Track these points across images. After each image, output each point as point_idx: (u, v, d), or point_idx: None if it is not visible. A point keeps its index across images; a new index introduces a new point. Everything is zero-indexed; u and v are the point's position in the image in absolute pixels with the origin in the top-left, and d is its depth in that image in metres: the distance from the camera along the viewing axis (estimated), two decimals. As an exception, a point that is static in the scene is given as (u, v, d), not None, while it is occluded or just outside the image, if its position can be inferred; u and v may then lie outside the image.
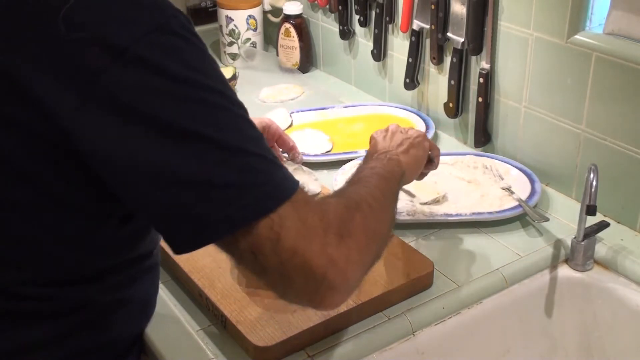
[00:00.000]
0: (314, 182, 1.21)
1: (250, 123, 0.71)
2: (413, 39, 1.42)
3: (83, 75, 0.66)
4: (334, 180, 1.24)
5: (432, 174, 1.25)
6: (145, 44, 0.66)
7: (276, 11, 1.80)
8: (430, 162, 1.08)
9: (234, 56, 1.79)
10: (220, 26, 1.78)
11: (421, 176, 1.09)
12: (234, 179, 0.68)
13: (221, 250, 0.72)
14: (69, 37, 0.65)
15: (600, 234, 1.09)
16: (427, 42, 1.41)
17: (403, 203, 1.18)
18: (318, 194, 1.16)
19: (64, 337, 0.81)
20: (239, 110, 0.71)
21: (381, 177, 0.88)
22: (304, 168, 1.24)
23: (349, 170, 1.27)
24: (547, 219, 1.13)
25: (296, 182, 0.72)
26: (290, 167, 1.22)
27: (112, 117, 0.66)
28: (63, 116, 0.67)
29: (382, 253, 0.81)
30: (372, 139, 1.06)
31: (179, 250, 0.71)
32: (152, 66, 0.66)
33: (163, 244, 1.00)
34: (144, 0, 0.69)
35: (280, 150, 1.23)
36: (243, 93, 1.65)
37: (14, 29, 0.68)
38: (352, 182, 0.86)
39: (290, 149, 1.23)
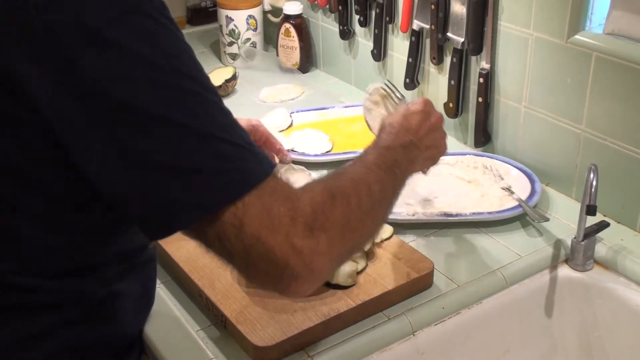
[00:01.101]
0: (307, 179, 1.20)
1: (223, 110, 0.71)
2: (413, 39, 1.42)
3: (57, 60, 0.65)
4: (334, 180, 1.24)
5: (432, 174, 1.26)
6: (118, 25, 0.65)
7: (276, 11, 1.80)
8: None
9: (234, 56, 1.79)
10: (220, 26, 1.78)
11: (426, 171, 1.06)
12: (203, 165, 0.68)
13: (190, 237, 0.72)
14: (42, 21, 0.65)
15: (600, 234, 1.09)
16: (427, 42, 1.41)
17: (403, 204, 1.18)
18: None
19: (58, 330, 0.81)
20: (212, 96, 0.71)
21: (393, 172, 0.86)
22: (295, 166, 1.24)
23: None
24: (547, 219, 1.14)
25: (269, 169, 0.72)
26: (282, 168, 1.22)
27: (85, 100, 0.66)
28: (40, 103, 0.67)
29: (364, 245, 0.81)
30: (414, 103, 0.99)
31: (152, 236, 0.72)
32: (125, 49, 0.65)
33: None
34: None
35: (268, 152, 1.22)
36: (243, 93, 1.65)
37: None
38: (359, 160, 0.85)
39: (278, 152, 1.21)
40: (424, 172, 1.04)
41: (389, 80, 1.17)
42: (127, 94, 0.66)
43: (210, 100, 0.70)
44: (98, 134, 0.67)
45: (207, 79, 0.71)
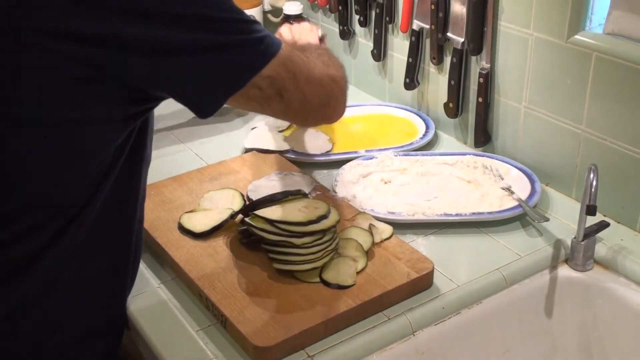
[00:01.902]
0: (308, 185, 1.21)
1: (246, 15, 0.87)
2: (413, 39, 1.42)
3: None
4: (334, 181, 1.25)
5: (433, 174, 1.26)
6: None
7: (276, 11, 1.80)
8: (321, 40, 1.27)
9: (234, 56, 1.79)
10: (220, 26, 1.77)
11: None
12: (245, 38, 0.83)
13: (247, 103, 0.88)
14: None
15: (600, 234, 1.09)
16: (427, 42, 1.41)
17: (403, 204, 1.18)
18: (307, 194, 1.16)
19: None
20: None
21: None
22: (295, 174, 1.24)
23: (349, 170, 1.27)
24: (547, 219, 1.14)
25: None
26: (281, 174, 1.22)
27: (144, 14, 0.76)
28: (77, 28, 0.75)
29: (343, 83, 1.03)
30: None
31: (207, 110, 0.84)
32: None
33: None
34: None
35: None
36: (243, 93, 1.65)
37: None
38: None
39: None
40: (323, 43, 1.27)
41: None
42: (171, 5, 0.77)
43: (235, 6, 0.84)
44: (156, 39, 0.77)
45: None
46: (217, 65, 0.82)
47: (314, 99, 0.92)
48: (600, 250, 1.10)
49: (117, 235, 0.93)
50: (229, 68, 0.83)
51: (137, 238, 0.98)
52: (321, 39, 1.28)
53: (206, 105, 0.84)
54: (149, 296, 1.02)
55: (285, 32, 1.27)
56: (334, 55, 1.05)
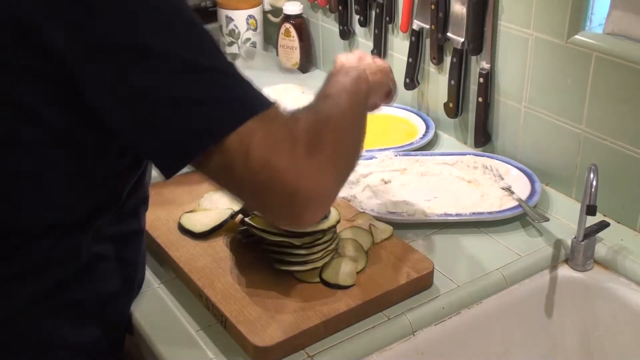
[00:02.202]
0: None
1: (224, 54, 0.76)
2: (413, 39, 1.42)
3: (71, 4, 0.69)
4: (334, 180, 1.24)
5: (432, 174, 1.26)
6: None
7: (276, 11, 1.80)
8: (388, 95, 1.09)
9: (234, 56, 1.79)
10: (220, 26, 1.78)
11: (376, 107, 1.10)
12: (206, 95, 0.72)
13: (199, 171, 0.75)
14: None
15: (600, 234, 1.09)
16: (427, 42, 1.41)
17: (402, 204, 1.18)
18: None
19: (51, 290, 0.84)
20: (213, 40, 0.75)
21: (350, 93, 0.88)
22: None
23: (349, 170, 1.27)
24: (547, 219, 1.13)
25: (268, 100, 0.75)
26: None
27: (96, 40, 0.69)
28: (59, 47, 0.70)
29: (355, 166, 0.86)
30: (337, 58, 1.06)
31: (166, 171, 0.75)
32: None
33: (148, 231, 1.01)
34: None
35: None
36: (243, 93, 1.65)
37: None
38: (321, 97, 0.87)
39: None
40: (387, 101, 1.09)
41: None
42: (131, 28, 0.70)
43: (211, 41, 0.75)
44: (108, 72, 0.70)
45: (206, 30, 0.76)
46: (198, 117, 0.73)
47: (269, 190, 0.73)
48: (600, 250, 1.10)
49: (123, 260, 0.92)
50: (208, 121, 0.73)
51: (142, 259, 0.98)
52: (388, 95, 1.09)
53: (173, 163, 0.75)
54: (149, 296, 1.02)
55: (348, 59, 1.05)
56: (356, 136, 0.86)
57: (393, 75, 1.08)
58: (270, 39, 1.86)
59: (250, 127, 0.72)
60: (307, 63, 1.77)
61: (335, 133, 0.79)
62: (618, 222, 1.16)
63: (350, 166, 0.84)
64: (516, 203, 1.17)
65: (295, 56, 1.75)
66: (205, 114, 0.72)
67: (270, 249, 1.01)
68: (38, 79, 0.72)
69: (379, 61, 1.07)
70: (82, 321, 0.88)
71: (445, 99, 1.39)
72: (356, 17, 1.58)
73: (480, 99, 1.31)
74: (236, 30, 1.76)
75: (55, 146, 0.77)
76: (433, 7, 1.34)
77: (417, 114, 1.47)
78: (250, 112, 0.73)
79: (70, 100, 0.74)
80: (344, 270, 0.98)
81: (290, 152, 0.73)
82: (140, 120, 0.73)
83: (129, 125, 0.74)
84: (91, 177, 0.82)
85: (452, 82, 1.36)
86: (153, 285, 1.04)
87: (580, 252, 1.08)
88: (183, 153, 0.73)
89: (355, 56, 1.05)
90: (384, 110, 1.50)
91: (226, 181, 0.75)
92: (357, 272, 1.00)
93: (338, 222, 1.02)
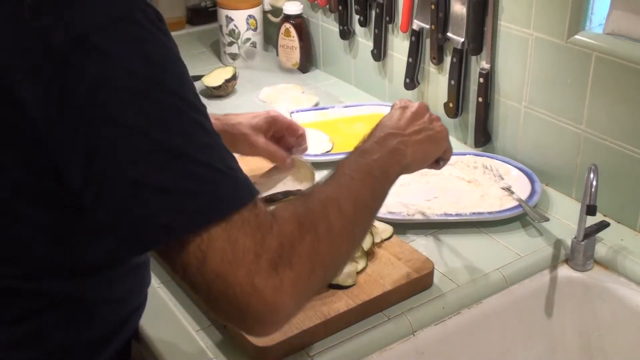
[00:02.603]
0: (310, 180, 1.18)
1: (205, 129, 0.68)
2: (413, 39, 1.42)
3: (46, 63, 0.64)
4: (334, 180, 1.24)
5: (432, 173, 1.26)
6: (107, 34, 0.65)
7: (276, 11, 1.80)
8: (437, 162, 0.99)
9: (234, 56, 1.79)
10: (220, 26, 1.78)
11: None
12: (172, 185, 0.65)
13: (160, 258, 0.69)
14: (33, 25, 0.65)
15: (600, 234, 1.09)
16: (427, 42, 1.41)
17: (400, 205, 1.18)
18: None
19: (49, 332, 0.81)
20: (195, 114, 0.68)
21: (371, 177, 0.82)
22: (301, 159, 1.21)
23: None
24: (547, 219, 1.13)
25: (247, 197, 0.68)
26: (282, 173, 1.20)
27: (68, 103, 0.65)
28: (30, 105, 0.66)
29: (342, 267, 0.78)
30: (392, 107, 0.96)
31: (122, 254, 0.69)
32: (109, 55, 0.64)
33: None
34: None
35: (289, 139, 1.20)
36: (243, 93, 1.65)
37: None
38: (332, 175, 0.81)
39: (300, 137, 1.19)
40: (436, 167, 0.99)
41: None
42: (103, 99, 0.64)
43: (191, 117, 0.67)
44: (79, 139, 0.65)
45: (194, 94, 0.69)
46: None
47: (220, 300, 0.67)
48: (600, 250, 1.10)
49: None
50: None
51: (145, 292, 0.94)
52: (436, 162, 0.98)
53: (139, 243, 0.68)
54: (149, 296, 1.01)
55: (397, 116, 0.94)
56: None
57: (448, 142, 0.97)
58: (270, 39, 1.86)
59: (213, 231, 0.65)
60: (307, 63, 1.77)
61: (318, 245, 0.71)
62: (618, 222, 1.16)
63: (328, 278, 0.76)
64: (516, 203, 1.17)
65: (295, 56, 1.75)
66: (166, 205, 0.65)
67: (270, 249, 1.01)
68: (8, 133, 0.68)
69: (437, 125, 0.95)
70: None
71: (445, 99, 1.39)
72: (356, 17, 1.58)
73: (480, 99, 1.31)
74: (236, 30, 1.76)
75: (31, 203, 0.72)
76: (433, 7, 1.34)
77: (417, 114, 1.47)
78: (216, 213, 0.65)
79: (35, 154, 0.69)
80: (344, 270, 0.98)
81: (250, 265, 0.65)
82: (99, 193, 0.67)
83: (87, 194, 0.68)
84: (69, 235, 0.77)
85: (452, 82, 1.36)
86: (153, 285, 1.04)
87: (580, 252, 1.08)
88: (136, 242, 0.67)
89: (410, 113, 0.93)
90: (384, 110, 1.51)
91: (181, 278, 0.68)
92: (357, 272, 1.00)
93: (338, 222, 1.02)
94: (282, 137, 1.19)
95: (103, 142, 0.65)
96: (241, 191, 0.68)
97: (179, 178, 0.65)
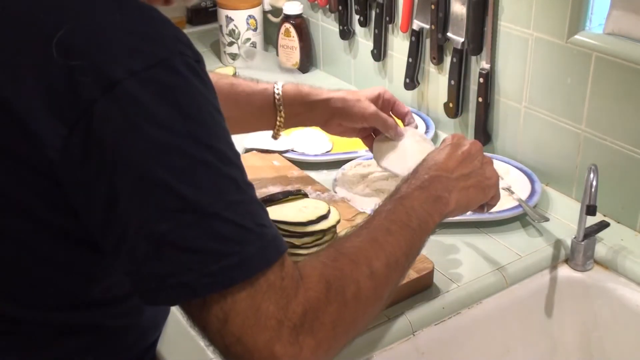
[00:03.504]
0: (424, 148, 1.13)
1: (238, 185, 0.65)
2: (413, 39, 1.42)
3: (73, 104, 0.61)
4: (334, 181, 1.24)
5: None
6: (139, 79, 0.61)
7: (276, 11, 1.80)
8: (481, 207, 0.94)
9: (234, 56, 1.79)
10: (220, 26, 1.78)
11: None
12: (198, 245, 0.63)
13: (180, 309, 0.68)
14: (61, 64, 0.61)
15: (600, 234, 1.09)
16: (427, 42, 1.41)
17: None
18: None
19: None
20: (228, 169, 0.65)
21: (408, 229, 0.78)
22: (418, 136, 1.18)
23: (349, 170, 1.27)
24: (547, 219, 1.13)
25: (274, 256, 0.66)
26: (408, 131, 1.17)
27: (93, 148, 0.62)
28: (50, 146, 0.62)
29: (362, 330, 0.75)
30: (443, 142, 0.92)
31: (140, 301, 0.67)
32: (141, 106, 0.61)
33: None
34: (149, 31, 0.64)
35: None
36: (243, 93, 1.65)
37: (8, 57, 0.64)
38: (367, 224, 0.77)
39: (405, 115, 1.18)
40: (484, 210, 0.95)
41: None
42: (132, 152, 0.61)
43: (224, 173, 0.64)
44: (101, 186, 0.63)
45: (230, 148, 0.66)
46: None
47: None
48: (600, 250, 1.10)
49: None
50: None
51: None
52: (481, 207, 0.94)
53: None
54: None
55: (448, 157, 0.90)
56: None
57: (496, 189, 0.93)
58: (270, 39, 1.86)
59: (237, 294, 0.63)
60: (307, 63, 1.77)
61: (344, 313, 0.68)
62: (618, 222, 1.15)
63: (353, 337, 0.72)
64: (516, 203, 1.17)
65: (295, 56, 1.75)
66: (190, 265, 0.62)
67: (270, 249, 1.01)
68: (21, 165, 0.65)
69: (488, 170, 0.90)
70: None
71: (445, 99, 1.39)
72: (356, 17, 1.58)
73: (480, 99, 1.31)
74: (236, 30, 1.76)
75: (47, 239, 0.70)
76: (433, 7, 1.34)
77: (417, 114, 1.46)
78: (242, 274, 0.63)
79: (50, 191, 0.66)
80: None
81: (272, 333, 0.63)
82: (119, 244, 0.64)
83: (109, 244, 0.66)
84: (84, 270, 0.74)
85: (452, 82, 1.36)
86: (153, 285, 1.04)
87: (580, 252, 1.08)
88: (156, 296, 0.65)
89: (461, 153, 0.89)
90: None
91: (200, 332, 0.67)
92: (357, 272, 0.99)
93: (338, 222, 1.02)
94: (388, 114, 1.17)
95: (125, 194, 0.62)
96: (269, 251, 0.66)
97: (205, 238, 0.63)
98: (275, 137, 1.18)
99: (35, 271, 0.73)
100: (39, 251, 0.71)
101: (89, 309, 0.78)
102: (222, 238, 0.63)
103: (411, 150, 1.15)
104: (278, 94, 1.16)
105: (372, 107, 1.13)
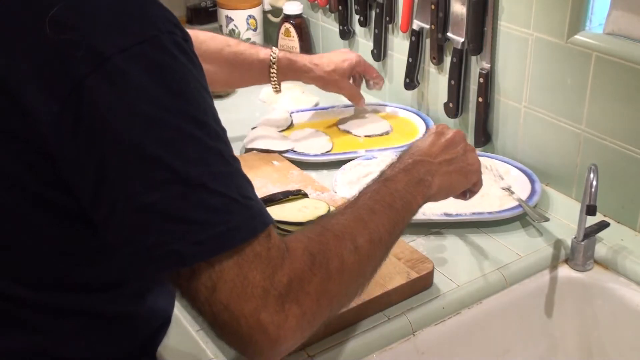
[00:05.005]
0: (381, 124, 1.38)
1: (225, 158, 0.68)
2: (413, 39, 1.42)
3: (64, 79, 0.63)
4: (334, 181, 1.24)
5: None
6: (129, 55, 0.63)
7: (276, 11, 1.80)
8: (463, 193, 0.97)
9: (234, 56, 1.79)
10: (220, 26, 1.78)
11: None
12: (186, 214, 0.64)
13: (168, 281, 0.69)
14: (54, 39, 0.63)
15: (600, 234, 1.09)
16: (427, 42, 1.41)
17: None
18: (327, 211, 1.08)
19: (69, 343, 0.79)
20: (214, 141, 0.67)
21: (392, 209, 0.80)
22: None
23: (349, 170, 1.27)
24: (547, 219, 1.13)
25: (260, 227, 0.67)
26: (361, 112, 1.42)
27: (84, 124, 0.63)
28: (43, 121, 0.64)
29: (347, 304, 0.77)
30: (427, 131, 0.96)
31: (135, 276, 0.68)
32: (131, 81, 0.63)
33: None
34: (139, 10, 0.66)
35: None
36: (243, 93, 1.65)
37: (4, 35, 0.66)
38: (351, 204, 0.80)
39: (375, 77, 1.46)
40: (462, 198, 0.98)
41: None
42: (122, 125, 0.63)
43: (209, 145, 0.67)
44: (91, 160, 0.64)
45: (214, 120, 0.69)
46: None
47: (225, 330, 0.68)
48: (600, 250, 1.10)
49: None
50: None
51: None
52: (463, 194, 0.97)
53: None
54: (149, 296, 1.01)
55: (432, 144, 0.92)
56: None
57: (479, 176, 0.96)
58: (270, 39, 1.86)
59: (224, 262, 0.65)
60: (307, 63, 1.77)
61: (328, 283, 0.71)
62: (618, 222, 1.16)
63: (332, 315, 0.74)
64: (516, 203, 1.17)
65: (295, 56, 1.75)
66: (179, 234, 0.64)
67: (270, 249, 1.01)
68: (18, 145, 0.66)
69: (471, 157, 0.94)
70: None
71: (445, 99, 1.39)
72: (356, 17, 1.58)
73: (480, 99, 1.31)
74: (236, 30, 1.76)
75: (42, 216, 0.71)
76: (433, 7, 1.34)
77: (417, 114, 1.47)
78: (230, 242, 0.65)
79: (44, 165, 0.67)
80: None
81: (258, 301, 0.65)
82: (110, 216, 0.66)
83: (100, 215, 0.67)
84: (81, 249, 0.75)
85: (452, 82, 1.36)
86: (153, 285, 1.04)
87: (580, 252, 1.08)
88: (146, 265, 0.67)
89: (444, 140, 0.92)
90: (384, 110, 1.51)
91: (189, 302, 0.68)
92: (357, 272, 1.00)
93: (338, 222, 1.02)
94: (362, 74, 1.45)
95: (115, 166, 0.64)
96: (255, 221, 0.68)
97: (193, 208, 0.65)
98: (276, 91, 1.40)
99: (28, 247, 0.73)
100: (31, 226, 0.72)
101: (82, 292, 0.78)
102: (209, 208, 0.65)
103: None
104: (274, 59, 1.36)
105: (344, 82, 1.41)
